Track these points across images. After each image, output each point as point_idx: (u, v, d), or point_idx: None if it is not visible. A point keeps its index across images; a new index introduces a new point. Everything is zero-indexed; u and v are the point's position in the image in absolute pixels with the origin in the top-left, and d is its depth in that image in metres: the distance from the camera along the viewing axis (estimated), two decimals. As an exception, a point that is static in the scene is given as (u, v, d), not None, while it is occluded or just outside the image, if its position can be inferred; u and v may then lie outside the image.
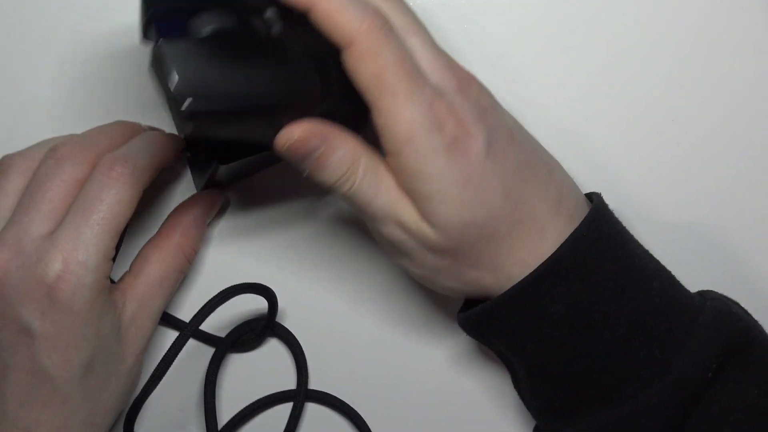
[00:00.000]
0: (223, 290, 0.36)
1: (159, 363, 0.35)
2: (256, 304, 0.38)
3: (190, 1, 0.29)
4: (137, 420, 0.37)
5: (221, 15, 0.29)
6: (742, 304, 0.34)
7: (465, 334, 0.35)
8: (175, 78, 0.27)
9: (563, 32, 0.38)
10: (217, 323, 0.39)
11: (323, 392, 0.39)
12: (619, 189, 0.38)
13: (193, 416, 0.39)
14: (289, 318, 0.39)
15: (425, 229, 0.31)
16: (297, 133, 0.30)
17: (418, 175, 0.30)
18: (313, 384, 0.39)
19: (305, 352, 0.39)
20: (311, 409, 0.39)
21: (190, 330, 0.35)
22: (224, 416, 0.39)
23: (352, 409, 0.39)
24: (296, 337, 0.39)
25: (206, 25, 0.29)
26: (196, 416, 0.39)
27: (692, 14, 0.38)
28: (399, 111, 0.29)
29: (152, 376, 0.35)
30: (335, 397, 0.39)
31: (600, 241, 0.31)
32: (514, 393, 0.36)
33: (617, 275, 0.31)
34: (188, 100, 0.27)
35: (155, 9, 0.29)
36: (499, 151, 0.30)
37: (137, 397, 0.36)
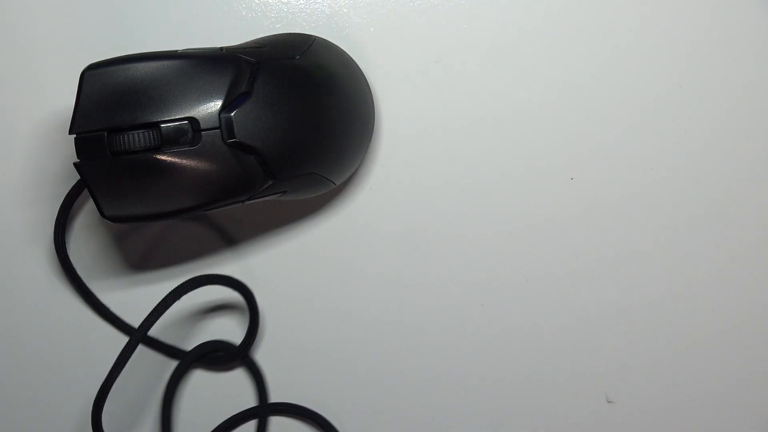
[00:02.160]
0: (186, 281, 0.36)
1: (112, 367, 0.34)
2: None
3: (110, 121, 0.31)
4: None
5: (140, 135, 0.31)
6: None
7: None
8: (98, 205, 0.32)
9: (563, 32, 0.38)
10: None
11: (286, 403, 0.38)
12: (618, 189, 0.38)
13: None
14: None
15: None
16: None
17: None
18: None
19: (260, 362, 0.39)
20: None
21: (144, 329, 0.35)
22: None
23: (316, 413, 0.38)
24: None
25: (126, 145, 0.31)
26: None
27: (692, 14, 0.38)
28: None
29: (106, 378, 0.35)
30: (298, 405, 0.38)
31: None
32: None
33: None
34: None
35: (77, 131, 0.31)
36: None
37: (97, 396, 0.35)
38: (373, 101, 0.37)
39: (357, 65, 0.36)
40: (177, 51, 0.32)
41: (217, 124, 0.31)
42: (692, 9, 0.38)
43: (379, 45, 0.38)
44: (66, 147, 0.37)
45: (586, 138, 0.38)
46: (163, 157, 0.31)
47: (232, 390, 0.39)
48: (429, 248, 0.38)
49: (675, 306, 0.38)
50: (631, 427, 0.39)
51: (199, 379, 0.39)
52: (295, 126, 0.32)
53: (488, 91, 0.38)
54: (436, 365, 0.39)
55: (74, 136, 0.31)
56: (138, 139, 0.30)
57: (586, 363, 0.39)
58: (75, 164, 0.31)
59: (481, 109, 0.38)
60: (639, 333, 0.39)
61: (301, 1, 0.38)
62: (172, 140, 0.31)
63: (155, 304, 0.35)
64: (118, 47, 0.37)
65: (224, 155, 0.31)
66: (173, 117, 0.31)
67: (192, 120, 0.31)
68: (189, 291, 0.36)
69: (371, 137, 0.37)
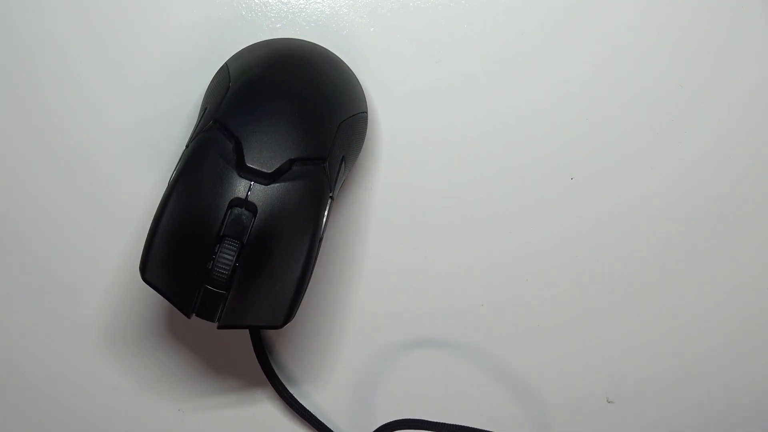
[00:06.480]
0: None
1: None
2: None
3: (198, 274, 0.31)
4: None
5: (223, 255, 0.31)
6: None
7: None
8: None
9: (563, 32, 0.38)
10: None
11: None
12: (618, 189, 0.38)
13: None
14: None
15: None
16: None
17: None
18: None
19: None
20: None
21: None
22: None
23: None
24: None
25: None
26: None
27: (692, 13, 0.38)
28: None
29: None
30: None
31: None
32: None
33: None
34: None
35: (190, 311, 0.32)
36: None
37: None
38: (317, 46, 0.36)
39: (270, 42, 0.36)
40: (170, 183, 0.32)
41: (248, 183, 0.31)
42: (692, 9, 0.38)
43: (379, 45, 0.38)
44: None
45: (586, 138, 0.38)
46: (253, 244, 0.31)
47: None
48: (429, 248, 0.38)
49: (675, 306, 0.38)
50: (631, 427, 0.39)
51: None
52: (288, 112, 0.32)
53: (488, 91, 0.38)
54: (436, 365, 0.39)
55: (193, 315, 0.31)
56: (224, 259, 0.31)
57: (586, 363, 0.39)
58: (219, 328, 0.31)
59: (481, 108, 0.38)
60: (639, 333, 0.39)
61: (301, 1, 0.38)
62: (242, 228, 0.31)
63: None
64: (117, 47, 0.37)
65: (278, 190, 0.32)
66: (220, 217, 0.31)
67: (232, 203, 0.31)
68: None
69: (345, 64, 0.36)
